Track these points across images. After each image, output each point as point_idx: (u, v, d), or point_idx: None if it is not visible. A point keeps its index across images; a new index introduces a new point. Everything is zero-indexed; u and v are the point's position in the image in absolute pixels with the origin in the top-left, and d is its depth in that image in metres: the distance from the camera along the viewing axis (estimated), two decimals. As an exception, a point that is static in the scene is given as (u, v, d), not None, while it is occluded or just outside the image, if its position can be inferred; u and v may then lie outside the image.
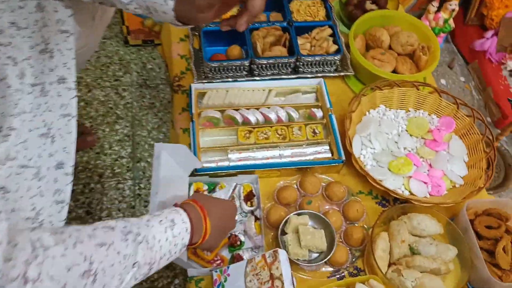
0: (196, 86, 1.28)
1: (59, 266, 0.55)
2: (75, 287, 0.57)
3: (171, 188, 1.01)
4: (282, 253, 0.94)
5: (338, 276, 1.07)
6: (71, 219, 1.57)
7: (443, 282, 1.01)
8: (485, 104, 1.63)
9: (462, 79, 1.66)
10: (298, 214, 1.08)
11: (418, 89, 1.29)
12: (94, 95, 1.96)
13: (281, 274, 0.91)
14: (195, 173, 1.13)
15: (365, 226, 1.13)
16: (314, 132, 1.24)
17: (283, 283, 0.89)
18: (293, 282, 0.93)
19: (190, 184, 1.12)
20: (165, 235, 0.75)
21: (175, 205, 0.85)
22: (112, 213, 1.63)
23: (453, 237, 1.09)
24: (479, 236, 1.08)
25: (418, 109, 1.32)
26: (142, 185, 1.70)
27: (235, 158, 1.18)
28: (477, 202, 1.12)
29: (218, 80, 1.32)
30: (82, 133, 1.75)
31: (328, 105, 1.27)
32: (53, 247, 0.56)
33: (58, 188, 0.79)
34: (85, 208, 1.62)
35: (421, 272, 1.01)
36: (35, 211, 0.75)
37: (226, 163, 1.17)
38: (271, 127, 1.23)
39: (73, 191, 1.69)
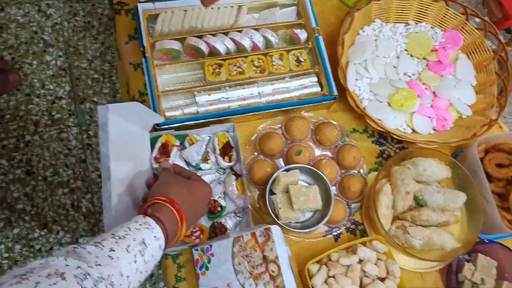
0: (144, 7, 0.98)
1: None
2: None
3: (129, 162, 0.80)
4: (275, 230, 0.79)
5: (334, 234, 0.94)
6: (8, 182, 1.34)
7: (452, 235, 0.90)
8: (483, 1, 1.41)
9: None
10: (287, 170, 0.91)
11: (421, -3, 1.06)
12: (9, 15, 1.51)
13: (276, 257, 0.76)
14: (156, 127, 0.91)
15: (362, 172, 0.98)
16: (298, 60, 1.01)
17: (279, 267, 0.76)
18: (289, 261, 0.79)
19: (157, 138, 0.90)
20: (135, 266, 0.56)
21: (145, 211, 0.65)
22: (59, 170, 1.36)
23: (461, 180, 0.96)
24: (489, 178, 0.95)
25: (419, 22, 1.09)
26: (91, 133, 1.41)
27: (204, 101, 0.95)
28: (488, 138, 0.98)
29: (172, -4, 1.02)
30: (2, 70, 1.39)
31: (314, 24, 1.02)
32: None
33: None
34: (23, 167, 1.35)
35: (428, 226, 0.90)
36: None
37: (193, 109, 0.95)
38: (245, 57, 0.99)
39: (4, 146, 1.41)
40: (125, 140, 0.80)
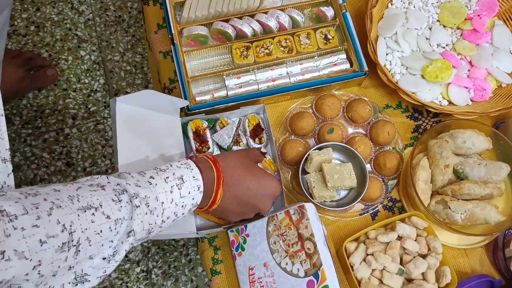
0: (170, -5, 0.99)
1: (30, 240, 0.43)
2: (53, 262, 0.46)
3: (154, 151, 0.81)
4: (310, 208, 0.77)
5: (371, 212, 0.92)
6: (50, 174, 1.39)
7: (497, 208, 0.86)
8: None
9: None
10: (319, 149, 0.90)
11: (452, -36, 1.01)
12: (45, 14, 1.57)
13: (311, 234, 0.75)
14: (187, 112, 0.91)
15: (397, 148, 0.96)
16: (326, 38, 1.00)
17: (315, 245, 0.74)
18: (325, 238, 0.78)
19: (185, 125, 0.91)
20: (171, 196, 0.61)
21: (190, 157, 0.69)
22: (98, 161, 1.41)
23: (504, 151, 0.91)
24: (534, 147, 0.91)
25: (452, -9, 1.05)
26: None
27: (233, 84, 0.95)
28: (531, 106, 0.93)
29: (197, -17, 1.02)
30: (41, 66, 1.45)
31: (341, 0, 1.00)
32: (21, 216, 0.44)
33: None
34: (63, 159, 1.40)
35: (470, 200, 0.87)
36: None
37: (223, 93, 0.95)
38: (272, 38, 0.98)
39: (45, 140, 1.48)
40: (147, 130, 0.82)
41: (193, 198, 0.64)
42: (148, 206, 0.57)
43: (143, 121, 0.82)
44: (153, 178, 0.60)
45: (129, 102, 0.79)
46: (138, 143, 0.80)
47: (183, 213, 0.64)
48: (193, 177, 0.64)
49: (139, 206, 0.55)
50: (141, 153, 0.80)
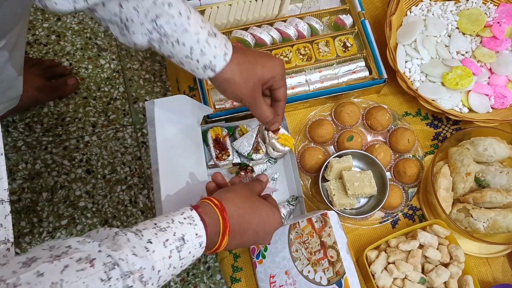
0: (191, 4, 1.00)
1: None
2: None
3: (180, 155, 0.81)
4: (332, 216, 0.77)
5: (391, 220, 0.92)
6: (70, 182, 1.41)
7: (519, 217, 0.85)
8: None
9: None
10: (339, 156, 0.90)
11: (471, -28, 1.01)
12: (65, 23, 1.60)
13: (334, 242, 0.75)
14: (207, 120, 0.92)
15: (417, 156, 0.95)
16: (345, 46, 1.00)
17: (338, 253, 0.74)
18: (347, 246, 0.78)
19: (205, 132, 0.92)
20: (169, 262, 0.56)
21: (196, 207, 0.63)
22: (117, 168, 1.43)
23: (526, 159, 0.91)
24: (557, 155, 0.90)
25: (471, -2, 1.05)
26: (144, 131, 1.46)
27: (253, 92, 0.96)
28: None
29: (216, -8, 1.03)
30: (61, 75, 1.48)
31: (359, 8, 1.00)
32: None
33: None
34: (83, 166, 1.42)
35: (492, 208, 0.86)
36: None
37: (242, 100, 0.95)
38: (291, 46, 0.99)
39: (65, 147, 1.50)
40: (175, 133, 0.82)
41: (193, 256, 0.60)
42: (142, 278, 0.52)
43: (175, 127, 0.83)
44: (151, 242, 0.54)
45: (165, 106, 0.80)
46: (174, 148, 0.81)
47: (179, 272, 0.60)
48: (196, 234, 0.59)
49: (131, 286, 0.50)
50: (179, 160, 0.82)
